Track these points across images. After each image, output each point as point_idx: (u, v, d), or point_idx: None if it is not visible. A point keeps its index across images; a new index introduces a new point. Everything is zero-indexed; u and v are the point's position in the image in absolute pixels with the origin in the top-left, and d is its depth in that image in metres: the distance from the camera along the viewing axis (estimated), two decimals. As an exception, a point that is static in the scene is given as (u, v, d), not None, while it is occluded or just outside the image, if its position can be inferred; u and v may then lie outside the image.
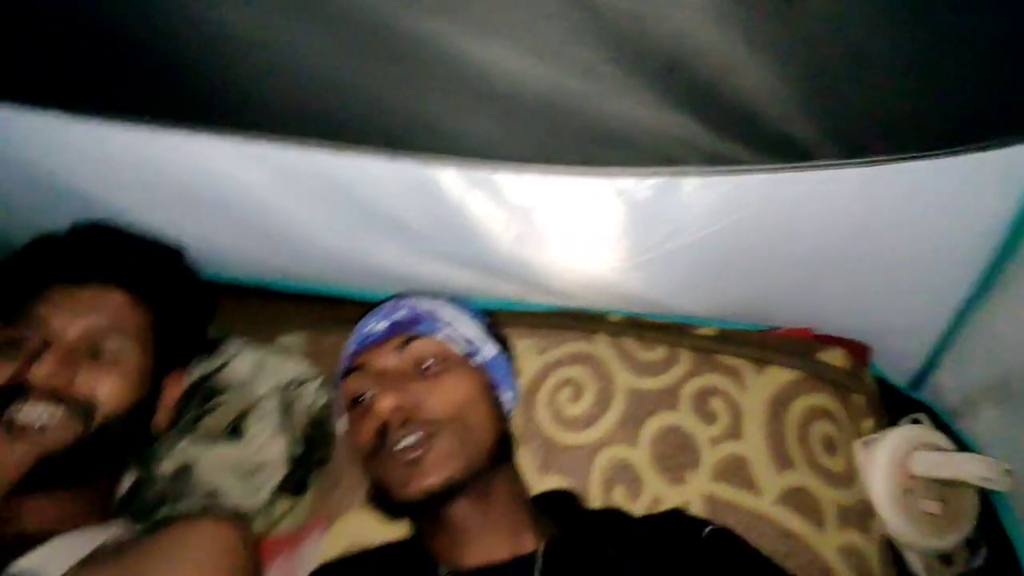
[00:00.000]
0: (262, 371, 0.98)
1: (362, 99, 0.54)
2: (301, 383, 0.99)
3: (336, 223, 0.78)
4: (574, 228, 0.70)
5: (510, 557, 0.73)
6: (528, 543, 0.75)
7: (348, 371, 0.82)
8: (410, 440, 0.72)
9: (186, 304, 0.91)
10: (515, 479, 0.82)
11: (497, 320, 0.95)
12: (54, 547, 0.71)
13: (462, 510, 0.73)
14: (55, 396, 0.73)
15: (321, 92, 0.54)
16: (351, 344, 0.85)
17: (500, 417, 0.82)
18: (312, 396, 0.99)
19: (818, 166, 0.55)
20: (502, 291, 0.99)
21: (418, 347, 0.80)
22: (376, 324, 0.84)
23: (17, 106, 0.66)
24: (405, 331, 0.81)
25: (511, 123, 0.53)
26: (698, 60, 0.46)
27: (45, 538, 0.71)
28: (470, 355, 0.83)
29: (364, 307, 1.08)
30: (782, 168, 0.55)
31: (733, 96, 0.48)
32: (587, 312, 1.04)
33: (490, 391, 0.82)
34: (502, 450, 0.79)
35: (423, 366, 0.79)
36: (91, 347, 0.78)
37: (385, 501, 0.76)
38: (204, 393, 0.96)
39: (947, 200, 0.62)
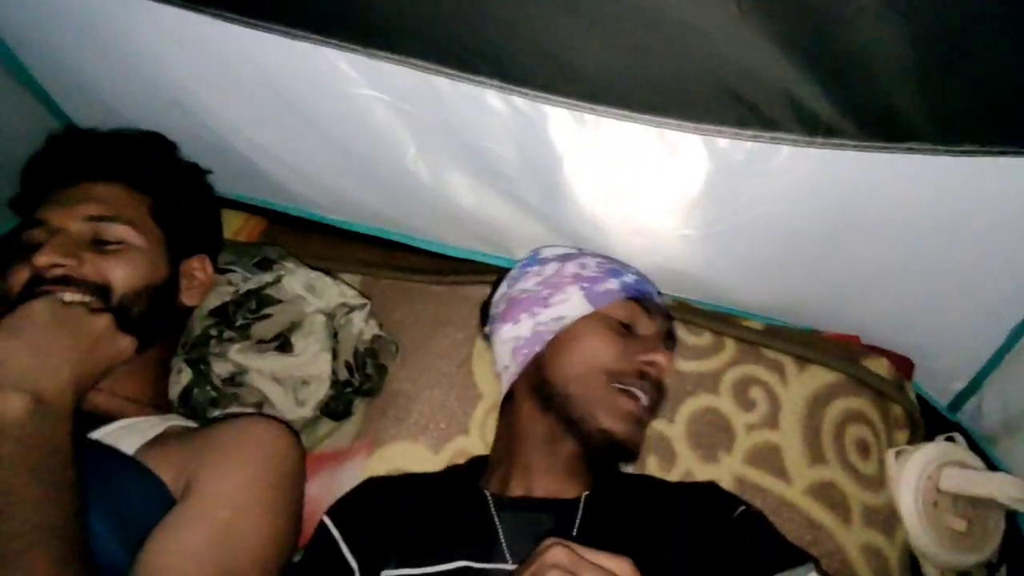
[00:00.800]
0: (312, 291, 1.02)
1: (490, 27, 0.57)
2: (351, 309, 1.02)
3: (416, 149, 0.80)
4: (660, 182, 0.72)
5: (557, 497, 0.77)
6: (573, 489, 0.78)
7: (640, 302, 0.87)
8: (648, 402, 0.82)
9: (181, 187, 0.96)
10: None
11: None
12: (123, 426, 0.76)
13: (579, 453, 0.80)
14: (65, 281, 0.78)
15: (445, 15, 0.57)
16: (635, 283, 0.89)
17: None
18: (360, 325, 1.01)
19: (920, 150, 0.56)
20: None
21: (671, 347, 0.92)
22: (655, 295, 0.93)
23: None
24: (671, 324, 0.93)
25: (628, 61, 0.55)
26: (840, 26, 0.48)
27: (110, 418, 0.76)
28: None
29: (416, 254, 1.13)
30: (884, 148, 0.57)
31: (858, 64, 0.50)
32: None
33: None
34: None
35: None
36: (93, 236, 0.83)
37: (561, 404, 0.80)
38: (256, 302, 1.00)
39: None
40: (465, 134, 0.73)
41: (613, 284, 0.86)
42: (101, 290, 0.80)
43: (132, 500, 0.68)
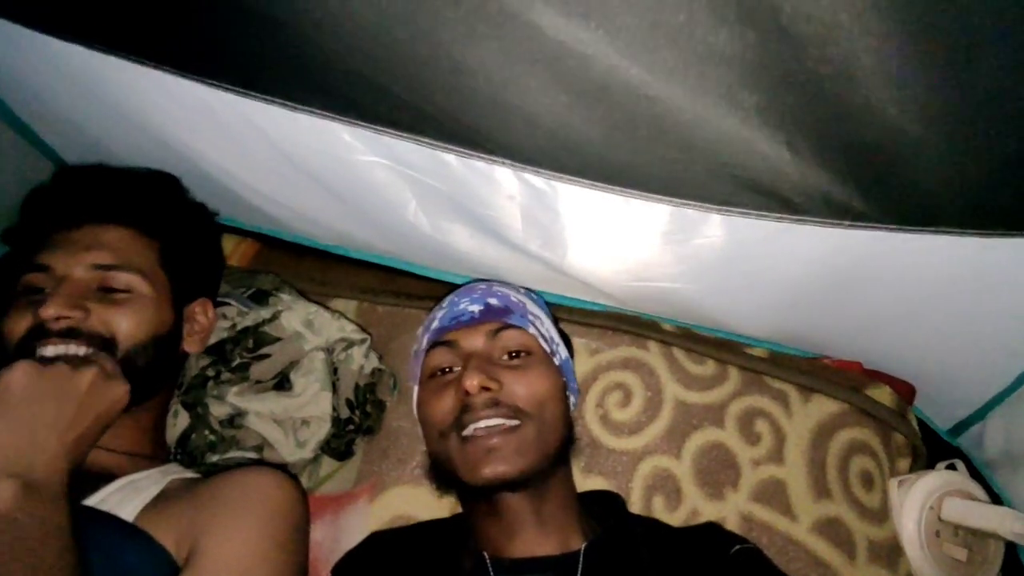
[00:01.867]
0: (311, 327, 1.00)
1: (504, 115, 0.55)
2: (350, 345, 1.00)
3: (430, 210, 0.79)
4: (672, 250, 0.70)
5: (554, 553, 0.75)
6: (573, 541, 0.77)
7: (435, 344, 0.82)
8: (493, 422, 0.73)
9: (190, 230, 0.92)
10: (569, 479, 0.83)
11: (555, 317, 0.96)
12: (122, 487, 0.74)
13: (519, 502, 0.75)
14: (72, 333, 0.75)
15: (457, 103, 0.55)
16: (439, 318, 0.86)
17: (568, 418, 0.84)
18: (360, 360, 1.00)
19: (943, 231, 0.55)
20: (560, 285, 1.00)
21: (510, 336, 0.81)
22: (469, 304, 0.85)
23: (127, 57, 0.66)
24: (498, 317, 0.82)
25: (651, 152, 0.53)
26: (863, 117, 0.46)
27: (108, 477, 0.74)
28: (552, 353, 0.84)
29: (416, 280, 1.11)
30: (908, 229, 0.55)
31: (893, 160, 0.48)
32: (640, 317, 1.05)
33: (564, 391, 0.83)
34: (566, 450, 0.80)
35: (511, 355, 0.80)
36: (100, 284, 0.80)
37: (447, 479, 0.78)
38: (254, 340, 0.97)
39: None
40: (469, 201, 0.71)
41: (424, 342, 0.85)
42: (106, 342, 0.77)
43: (134, 570, 0.66)
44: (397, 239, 0.93)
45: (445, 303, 0.88)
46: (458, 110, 0.55)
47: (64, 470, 0.63)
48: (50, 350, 0.74)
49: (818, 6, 0.41)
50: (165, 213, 0.88)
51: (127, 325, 0.78)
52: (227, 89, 0.63)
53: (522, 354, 0.81)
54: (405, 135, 0.60)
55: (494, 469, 0.72)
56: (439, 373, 0.81)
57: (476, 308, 0.84)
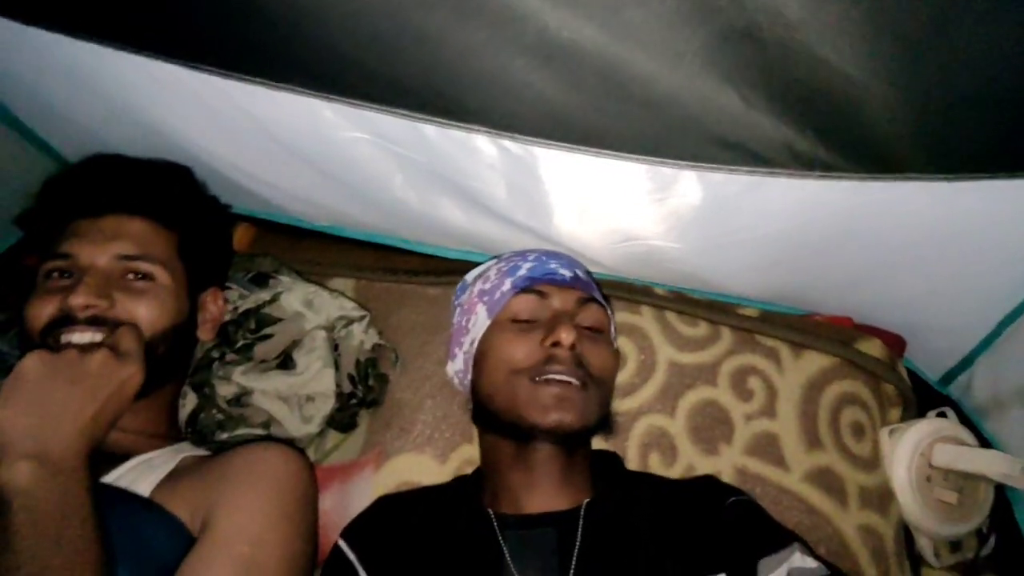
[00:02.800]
0: (311, 307, 1.02)
1: (479, 82, 0.56)
2: (349, 322, 1.03)
3: (416, 184, 0.80)
4: (652, 209, 0.72)
5: (556, 509, 0.78)
6: (577, 498, 0.80)
7: (526, 291, 0.85)
8: (570, 379, 0.78)
9: (206, 221, 0.95)
10: (590, 445, 0.87)
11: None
12: (136, 465, 0.77)
13: (553, 458, 0.79)
14: (96, 321, 0.78)
15: (432, 71, 0.56)
16: (527, 269, 0.87)
17: (612, 394, 0.89)
18: (360, 336, 1.02)
19: (912, 177, 0.56)
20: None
21: (594, 310, 0.86)
22: (560, 268, 0.88)
23: (111, 44, 0.67)
24: (586, 290, 0.87)
25: (619, 112, 0.55)
26: (810, 67, 0.47)
27: (123, 456, 0.77)
28: (614, 338, 0.90)
29: (411, 256, 1.13)
30: (876, 177, 0.57)
31: (846, 108, 0.50)
32: (633, 283, 1.07)
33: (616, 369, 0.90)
34: (606, 423, 0.85)
35: (591, 327, 0.85)
36: (122, 274, 0.82)
37: (496, 418, 0.81)
38: (256, 321, 1.00)
39: (1021, 217, 0.64)
40: (452, 172, 0.73)
41: (506, 285, 0.86)
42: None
43: (153, 544, 0.69)
44: (389, 215, 0.95)
45: (531, 256, 0.90)
46: (428, 79, 0.56)
47: (81, 448, 0.66)
48: (76, 337, 0.77)
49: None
50: (183, 205, 0.91)
51: (149, 314, 0.81)
52: (210, 72, 0.64)
53: (597, 329, 0.86)
54: (381, 107, 0.62)
55: (563, 416, 0.76)
56: (522, 320, 0.84)
57: (568, 273, 0.88)
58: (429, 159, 0.71)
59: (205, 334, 0.93)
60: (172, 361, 0.86)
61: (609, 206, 0.74)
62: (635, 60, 0.50)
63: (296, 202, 0.99)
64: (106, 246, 0.82)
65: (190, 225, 0.90)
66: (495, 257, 1.05)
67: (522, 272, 0.87)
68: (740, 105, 0.51)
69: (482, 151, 0.66)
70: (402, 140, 0.69)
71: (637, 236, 0.80)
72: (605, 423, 0.85)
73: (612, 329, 0.91)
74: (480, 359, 0.85)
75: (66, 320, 0.77)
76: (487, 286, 0.89)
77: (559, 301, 0.84)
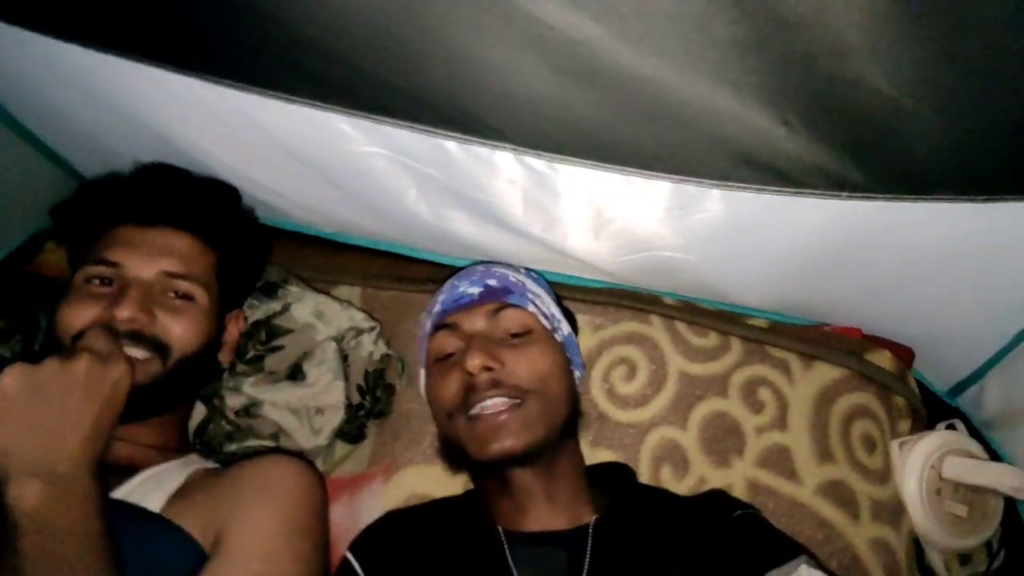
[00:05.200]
0: (321, 318, 1.01)
1: (503, 100, 0.55)
2: (359, 332, 1.02)
3: (430, 198, 0.80)
4: (673, 224, 0.72)
5: (565, 527, 0.77)
6: (583, 515, 0.79)
7: (437, 327, 0.84)
8: (497, 402, 0.75)
9: (246, 247, 0.95)
10: (577, 453, 0.86)
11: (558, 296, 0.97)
12: (146, 479, 0.76)
13: (528, 477, 0.77)
14: (137, 336, 0.77)
15: (456, 89, 0.55)
16: (440, 302, 0.87)
17: (574, 393, 0.86)
18: (370, 347, 1.02)
19: (940, 199, 0.56)
20: (560, 265, 1.01)
21: (510, 316, 0.83)
22: (469, 287, 0.86)
23: (122, 54, 0.66)
24: (498, 298, 0.84)
25: (652, 132, 0.54)
26: (854, 92, 0.47)
27: (132, 469, 0.76)
28: (553, 330, 0.86)
29: (419, 264, 1.12)
30: (905, 198, 0.56)
31: (888, 132, 0.49)
32: (641, 292, 1.06)
33: (568, 366, 0.85)
34: (572, 425, 0.82)
35: (512, 334, 0.82)
36: (164, 290, 0.81)
37: (458, 457, 0.81)
38: (266, 332, 0.99)
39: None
40: (469, 188, 0.72)
41: (427, 327, 0.87)
42: (163, 349, 0.79)
43: (165, 560, 0.68)
44: (399, 226, 0.94)
45: (446, 287, 0.90)
46: (455, 97, 0.56)
47: (87, 461, 0.64)
48: None
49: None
50: (229, 227, 0.91)
51: (184, 334, 0.80)
52: (224, 84, 0.63)
53: (522, 334, 0.82)
54: (403, 123, 0.61)
55: (501, 444, 0.74)
56: (444, 357, 0.82)
57: (475, 290, 0.85)
58: (446, 174, 0.70)
59: (225, 356, 0.91)
60: (195, 382, 0.86)
61: (628, 221, 0.73)
62: (678, 84, 0.49)
63: (303, 210, 0.98)
64: (155, 260, 0.81)
65: (231, 248, 0.90)
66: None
67: (436, 308, 0.87)
68: (780, 128, 0.50)
69: (502, 167, 0.66)
70: (420, 155, 0.68)
71: (652, 248, 0.80)
72: (569, 424, 0.81)
73: (549, 322, 0.86)
74: (429, 406, 0.86)
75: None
76: (420, 332, 0.90)
77: (468, 325, 0.82)
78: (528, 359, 0.79)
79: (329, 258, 1.16)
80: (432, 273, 1.12)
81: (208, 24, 0.58)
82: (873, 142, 0.52)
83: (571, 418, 0.82)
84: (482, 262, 0.98)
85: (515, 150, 0.61)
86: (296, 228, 1.13)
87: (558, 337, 0.86)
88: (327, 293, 1.08)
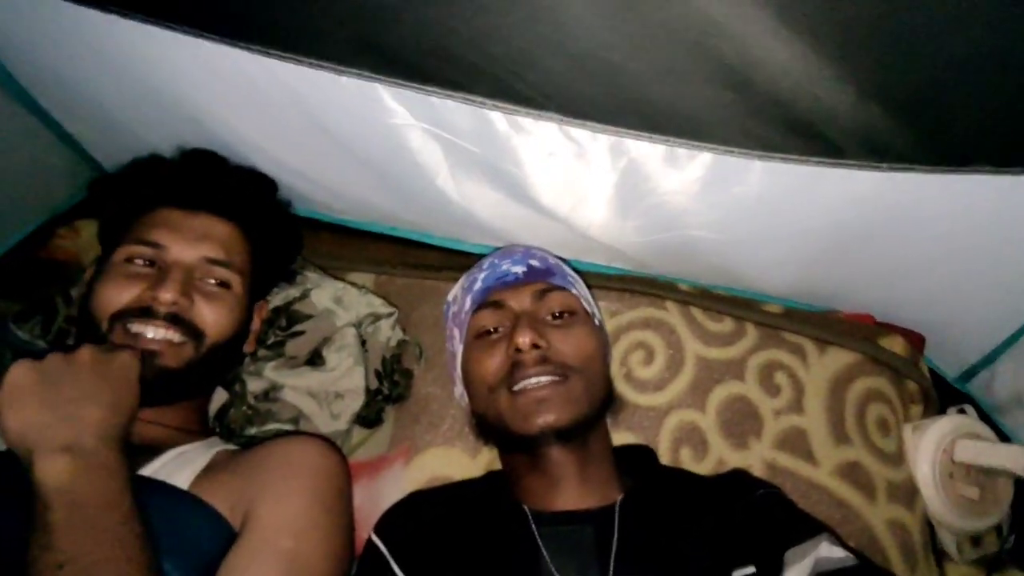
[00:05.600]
0: (341, 304, 1.02)
1: (557, 64, 0.55)
2: (377, 318, 1.02)
3: (448, 169, 0.80)
4: (701, 200, 0.72)
5: (592, 507, 0.78)
6: (610, 495, 0.79)
7: (482, 305, 0.84)
8: (543, 379, 0.76)
9: (281, 240, 0.96)
10: (607, 435, 0.86)
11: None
12: (172, 458, 0.75)
13: (563, 456, 0.77)
14: (175, 319, 0.77)
15: (509, 57, 0.55)
16: (482, 280, 0.87)
17: (609, 376, 0.87)
18: (387, 332, 1.02)
19: (978, 171, 0.57)
20: (579, 250, 1.02)
21: (555, 297, 0.84)
22: (512, 266, 0.87)
23: (144, 19, 0.65)
24: (542, 279, 0.85)
25: (701, 93, 0.55)
26: (924, 56, 0.47)
27: (158, 449, 0.76)
28: (592, 314, 0.87)
29: (432, 251, 1.12)
30: (944, 170, 0.57)
31: (948, 101, 0.50)
32: (657, 279, 1.07)
33: (605, 348, 0.87)
34: (607, 406, 0.84)
35: (557, 314, 0.83)
36: (203, 276, 0.81)
37: (493, 434, 0.81)
38: (288, 318, 0.99)
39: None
40: (505, 162, 0.72)
41: (467, 304, 0.87)
42: (198, 334, 0.79)
43: (196, 537, 0.68)
44: (421, 208, 0.94)
45: (485, 264, 0.90)
46: (512, 63, 0.56)
47: (112, 435, 0.64)
48: (151, 331, 0.76)
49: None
50: (269, 218, 0.92)
51: (218, 320, 0.81)
52: (272, 55, 0.63)
53: (566, 314, 0.83)
54: (454, 94, 0.61)
55: (545, 419, 0.75)
56: (486, 333, 0.83)
57: (520, 269, 0.86)
58: (484, 149, 0.70)
59: (250, 345, 0.92)
60: (223, 369, 0.87)
61: (662, 196, 0.74)
62: (739, 35, 0.49)
63: (326, 192, 0.98)
64: (197, 245, 0.81)
65: (267, 239, 0.91)
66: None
67: (478, 285, 0.87)
68: (836, 85, 0.50)
69: (545, 139, 0.66)
70: (462, 129, 0.68)
71: (681, 227, 0.80)
72: (605, 405, 0.83)
73: (589, 305, 0.88)
74: (466, 381, 0.86)
75: (144, 311, 0.76)
76: (456, 308, 0.90)
77: (515, 302, 0.83)
78: (574, 338, 0.80)
79: (342, 245, 1.16)
80: (446, 260, 1.12)
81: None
82: (923, 108, 0.52)
83: (607, 399, 0.84)
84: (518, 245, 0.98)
85: (561, 120, 0.62)
86: (309, 214, 1.13)
87: (596, 321, 0.87)
88: (342, 279, 1.08)
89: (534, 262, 0.88)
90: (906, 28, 0.47)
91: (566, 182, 0.75)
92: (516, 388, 0.76)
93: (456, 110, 0.64)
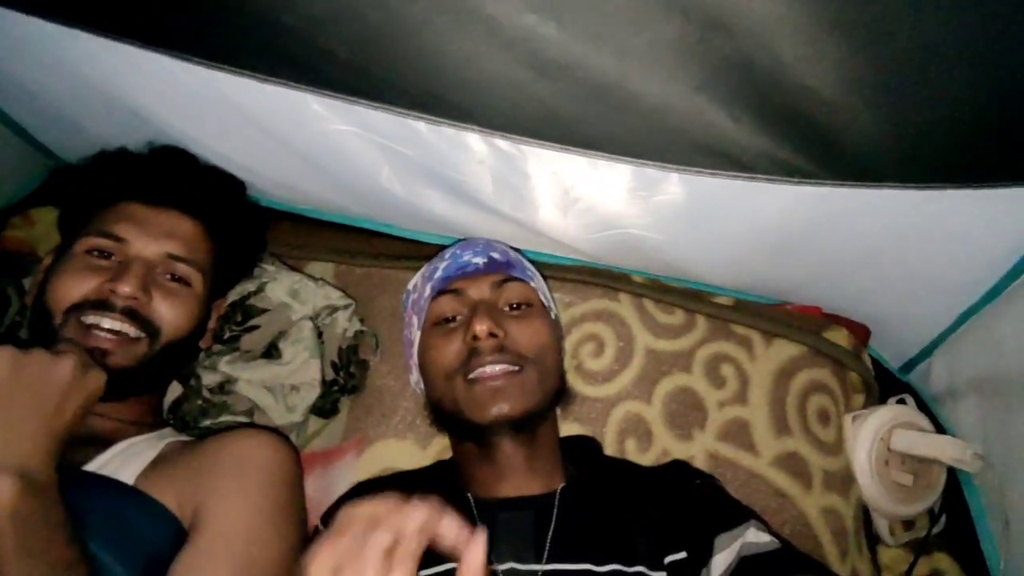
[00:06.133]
0: (297, 297, 1.02)
1: (474, 84, 0.56)
2: (334, 310, 1.03)
3: (402, 176, 0.81)
4: (635, 205, 0.74)
5: (534, 494, 0.81)
6: (552, 483, 0.82)
7: (440, 292, 0.86)
8: (499, 368, 0.78)
9: (246, 241, 0.96)
10: (555, 426, 0.89)
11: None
12: (120, 451, 0.77)
13: (513, 446, 0.80)
14: (132, 314, 0.78)
15: (426, 72, 0.56)
16: (442, 269, 0.89)
17: (562, 368, 0.90)
18: (344, 324, 1.03)
19: (886, 186, 0.59)
20: (533, 243, 1.03)
21: (513, 288, 0.86)
22: (473, 257, 0.89)
23: (116, 37, 0.66)
24: (502, 270, 0.87)
25: (611, 120, 0.56)
26: (794, 91, 0.49)
27: (107, 442, 0.77)
28: (548, 308, 0.90)
29: (392, 240, 1.12)
30: (852, 185, 0.59)
31: (827, 128, 0.52)
32: (611, 271, 1.09)
33: (560, 342, 0.90)
34: (558, 397, 0.86)
35: (513, 305, 0.85)
36: (163, 272, 0.82)
37: (446, 421, 0.83)
38: (243, 312, 1.00)
39: (983, 222, 0.68)
40: (440, 166, 0.73)
41: (426, 291, 0.88)
42: (154, 330, 0.80)
43: (140, 531, 0.69)
44: (372, 203, 0.95)
45: (447, 255, 0.92)
46: (422, 79, 0.57)
47: (54, 461, 0.63)
48: (108, 323, 0.76)
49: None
50: (234, 219, 0.92)
51: (176, 317, 0.81)
52: (196, 62, 0.63)
53: (523, 306, 0.85)
54: (374, 104, 0.62)
55: (500, 408, 0.77)
56: (444, 321, 0.85)
57: (480, 260, 0.88)
58: (418, 153, 0.71)
59: (205, 342, 0.92)
60: (177, 366, 0.88)
61: (594, 201, 0.75)
62: (634, 81, 0.51)
63: (278, 187, 0.99)
64: (160, 241, 0.81)
65: (232, 239, 0.91)
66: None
67: (438, 274, 0.88)
68: (728, 122, 0.53)
69: (472, 148, 0.67)
70: (391, 134, 0.69)
71: (620, 226, 0.82)
72: (557, 397, 0.85)
73: (546, 299, 0.91)
74: (423, 368, 0.87)
75: (100, 304, 0.76)
76: (415, 295, 0.91)
77: (475, 292, 0.85)
78: (530, 329, 0.83)
79: (302, 235, 1.16)
80: (406, 250, 1.13)
81: (185, 3, 0.58)
82: (814, 137, 0.54)
83: (559, 391, 0.86)
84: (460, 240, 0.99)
85: (482, 132, 0.63)
86: (269, 204, 1.13)
87: (552, 315, 0.90)
88: (300, 270, 1.09)
89: (495, 254, 0.90)
90: (776, 72, 0.48)
91: (501, 186, 0.76)
92: (472, 376, 0.78)
93: (381, 118, 0.65)
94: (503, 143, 0.65)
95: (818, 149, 0.56)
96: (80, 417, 0.68)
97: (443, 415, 0.84)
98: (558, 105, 0.56)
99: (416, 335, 0.88)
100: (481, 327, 0.78)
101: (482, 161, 0.69)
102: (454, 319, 0.84)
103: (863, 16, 0.44)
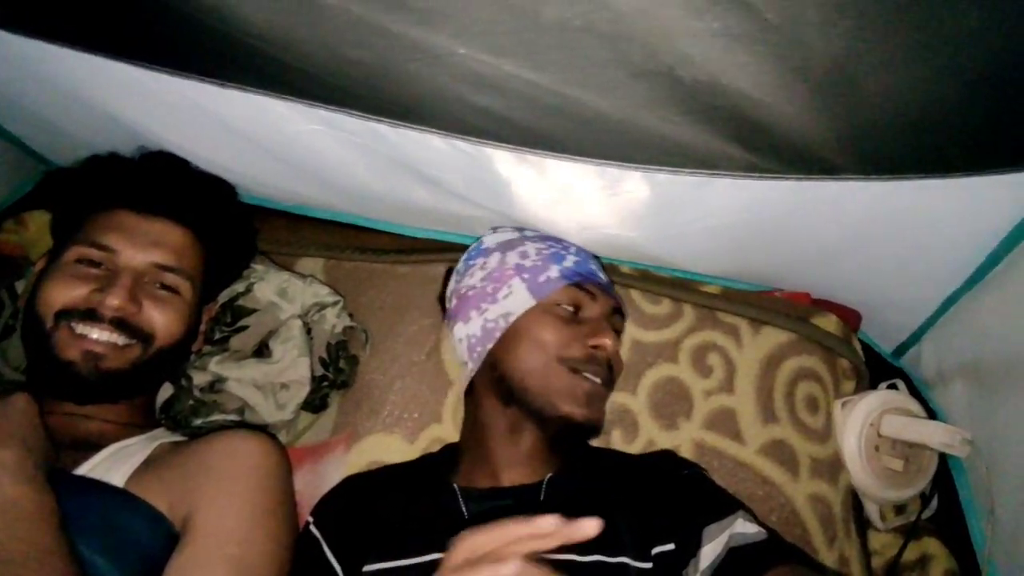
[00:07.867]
0: (285, 296, 1.03)
1: (428, 92, 0.56)
2: (323, 307, 1.04)
3: (379, 170, 0.81)
4: (604, 205, 0.74)
5: (524, 483, 0.82)
6: (540, 472, 0.84)
7: (579, 285, 0.88)
8: (598, 380, 0.84)
9: (236, 247, 0.97)
10: None
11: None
12: (111, 454, 0.77)
13: (545, 441, 0.85)
14: (121, 324, 0.79)
15: (382, 81, 0.56)
16: (574, 262, 0.89)
17: None
18: (333, 320, 1.04)
19: (849, 178, 0.58)
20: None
21: (619, 321, 0.93)
22: (599, 272, 0.93)
23: (84, 50, 0.66)
24: (613, 299, 0.92)
25: (565, 127, 0.56)
26: (740, 97, 0.49)
27: (98, 445, 0.78)
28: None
29: (381, 235, 1.13)
30: (814, 178, 0.59)
31: (769, 128, 0.52)
32: (599, 261, 1.08)
33: None
34: None
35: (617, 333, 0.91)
36: (152, 281, 0.83)
37: (521, 392, 0.84)
38: (232, 313, 1.01)
39: (956, 210, 0.67)
40: (412, 162, 0.73)
41: (554, 272, 0.87)
42: (146, 338, 0.81)
43: (131, 534, 0.70)
44: (357, 199, 0.95)
45: (572, 250, 0.92)
46: (378, 88, 0.57)
47: (33, 476, 0.63)
48: (97, 334, 0.78)
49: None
50: (224, 227, 0.92)
51: (167, 325, 0.82)
52: (159, 71, 0.64)
53: (620, 336, 0.92)
54: (334, 109, 0.62)
55: (591, 414, 0.83)
56: (568, 309, 0.87)
57: (604, 277, 0.94)
58: (387, 150, 0.71)
59: (197, 344, 0.93)
60: (169, 370, 0.89)
61: (564, 198, 0.75)
62: (571, 95, 0.51)
63: (262, 187, 0.99)
64: (149, 251, 0.82)
65: (222, 246, 0.91)
66: (463, 237, 1.06)
67: (568, 263, 0.88)
68: (671, 127, 0.52)
69: (437, 148, 0.67)
70: (359, 133, 0.69)
71: (594, 226, 0.82)
72: None
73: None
74: (514, 335, 0.85)
75: (89, 314, 0.78)
76: (527, 263, 0.88)
77: (602, 305, 0.89)
78: (621, 361, 0.91)
79: (291, 231, 1.17)
80: (395, 243, 1.13)
81: (145, 16, 0.58)
82: (755, 135, 0.54)
83: None
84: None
85: (442, 134, 0.63)
86: (258, 201, 1.14)
87: None
88: (289, 268, 1.10)
89: (604, 276, 0.94)
90: (700, 81, 0.48)
91: (471, 182, 0.76)
92: (585, 375, 0.83)
93: (345, 121, 0.65)
94: (464, 144, 0.65)
95: (771, 149, 0.56)
96: (33, 427, 0.68)
97: (516, 389, 0.84)
98: (509, 115, 0.56)
99: (525, 303, 0.85)
100: (613, 348, 0.85)
101: (447, 161, 0.69)
102: (576, 312, 0.87)
103: (785, 23, 0.43)
